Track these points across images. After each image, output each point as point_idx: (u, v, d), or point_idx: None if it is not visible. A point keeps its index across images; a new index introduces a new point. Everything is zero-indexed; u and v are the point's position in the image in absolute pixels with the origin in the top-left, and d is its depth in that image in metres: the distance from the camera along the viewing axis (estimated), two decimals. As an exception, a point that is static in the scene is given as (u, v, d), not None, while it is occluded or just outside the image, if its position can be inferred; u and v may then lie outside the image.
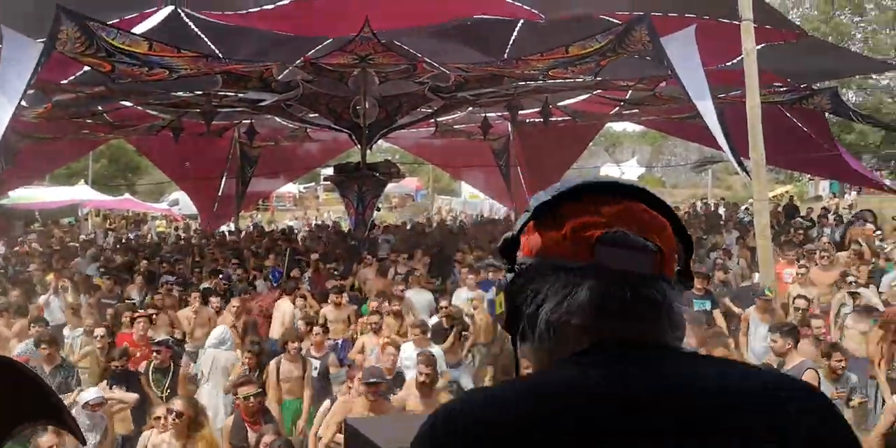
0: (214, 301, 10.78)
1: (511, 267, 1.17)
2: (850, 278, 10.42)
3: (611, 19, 11.43)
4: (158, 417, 6.24)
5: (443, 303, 10.04)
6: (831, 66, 15.18)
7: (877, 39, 29.45)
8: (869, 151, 28.02)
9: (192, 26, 12.00)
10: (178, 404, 5.90)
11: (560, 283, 1.09)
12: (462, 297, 10.88)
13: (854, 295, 9.33)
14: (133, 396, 7.42)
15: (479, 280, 11.26)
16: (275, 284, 12.81)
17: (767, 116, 10.17)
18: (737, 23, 10.04)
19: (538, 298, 1.11)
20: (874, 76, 28.55)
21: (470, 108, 18.06)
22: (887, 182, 22.71)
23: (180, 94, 14.21)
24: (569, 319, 1.09)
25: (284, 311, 10.51)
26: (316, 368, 8.44)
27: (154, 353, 8.13)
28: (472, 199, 37.73)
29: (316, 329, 8.91)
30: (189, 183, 23.60)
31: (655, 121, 19.73)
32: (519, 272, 1.14)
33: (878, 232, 14.89)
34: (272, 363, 8.10)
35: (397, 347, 8.18)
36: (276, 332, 10.05)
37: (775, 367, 6.66)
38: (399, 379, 7.77)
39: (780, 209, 20.70)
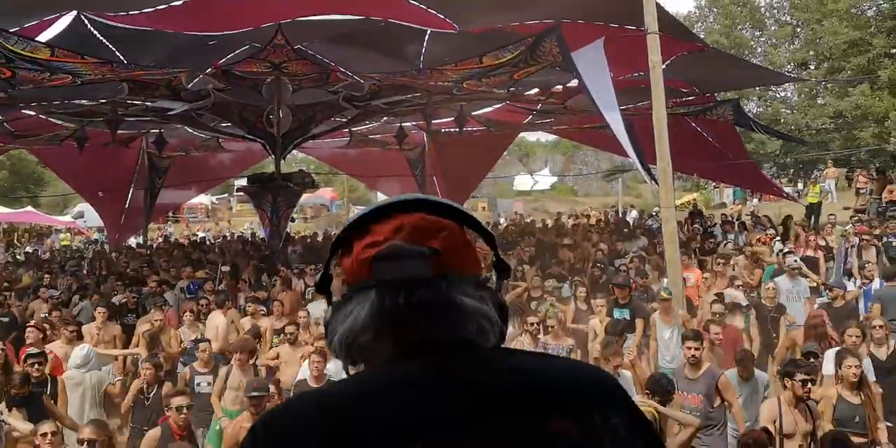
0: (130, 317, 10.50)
1: (329, 301, 1.25)
2: (738, 282, 10.92)
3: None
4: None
5: None
6: (734, 77, 15.82)
7: (775, 53, 30.81)
8: (767, 160, 29.25)
9: (97, 34, 11.65)
10: (87, 432, 5.58)
11: (352, 306, 1.18)
12: None
13: (719, 295, 9.75)
14: (28, 427, 6.96)
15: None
16: (188, 296, 12.50)
17: (679, 127, 10.51)
18: (642, 34, 10.33)
19: (334, 325, 1.20)
20: (773, 88, 29.84)
21: (385, 118, 18.07)
22: (788, 190, 23.85)
23: (84, 102, 13.74)
24: (357, 339, 1.17)
25: (218, 323, 10.23)
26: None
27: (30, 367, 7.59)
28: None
29: (203, 344, 8.55)
30: (95, 194, 22.80)
31: (569, 130, 20.15)
32: (334, 304, 1.23)
33: (777, 237, 15.53)
34: (223, 371, 7.94)
35: (324, 355, 8.09)
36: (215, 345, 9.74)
37: (686, 373, 6.87)
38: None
39: (687, 217, 21.37)
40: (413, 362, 1.13)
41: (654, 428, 1.17)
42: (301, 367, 8.41)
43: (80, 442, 5.51)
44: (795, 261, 11.27)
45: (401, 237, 1.18)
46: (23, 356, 8.12)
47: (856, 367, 6.22)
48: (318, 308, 10.79)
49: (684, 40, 12.26)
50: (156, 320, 9.95)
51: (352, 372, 1.21)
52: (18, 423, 6.80)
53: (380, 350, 1.16)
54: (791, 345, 8.34)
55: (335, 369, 8.10)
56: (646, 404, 5.61)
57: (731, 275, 11.37)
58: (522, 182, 46.14)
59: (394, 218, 1.21)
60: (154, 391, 7.68)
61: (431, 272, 1.16)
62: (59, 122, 15.99)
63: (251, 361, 8.08)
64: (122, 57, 11.83)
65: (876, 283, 10.60)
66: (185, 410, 6.38)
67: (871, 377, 6.88)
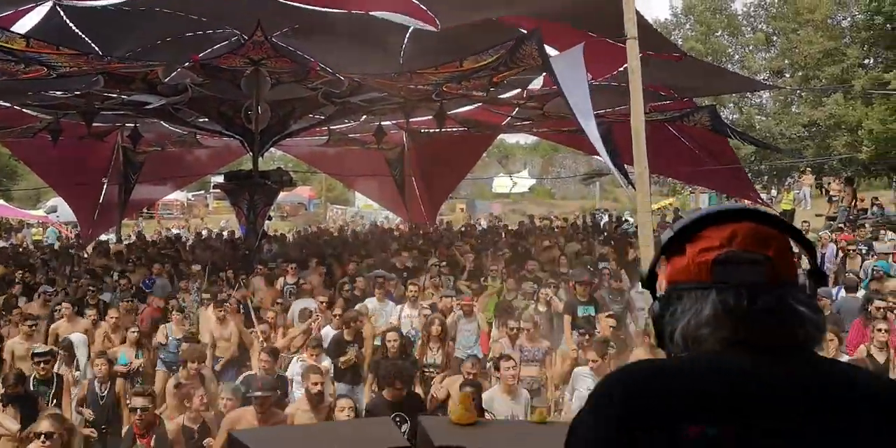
0: (91, 312, 10.34)
1: (654, 295, 1.41)
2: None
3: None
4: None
5: (350, 314, 9.50)
6: (712, 84, 15.95)
7: (752, 60, 31.12)
8: (741, 166, 29.48)
9: (72, 26, 11.53)
10: (44, 426, 5.45)
11: (689, 303, 1.32)
12: (388, 312, 10.58)
13: None
14: (14, 427, 6.87)
15: (385, 293, 11.11)
16: (148, 291, 12.49)
17: (662, 131, 10.51)
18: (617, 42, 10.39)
19: (674, 318, 1.34)
20: (748, 95, 30.15)
21: (364, 117, 18.03)
22: (763, 196, 24.10)
23: (59, 94, 13.58)
24: (699, 332, 1.30)
25: (211, 322, 10.03)
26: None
27: (37, 365, 7.66)
28: (366, 209, 37.61)
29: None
30: (68, 189, 22.51)
31: (548, 133, 20.23)
32: (661, 299, 1.38)
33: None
34: (171, 381, 7.90)
35: (274, 355, 8.07)
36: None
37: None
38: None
39: (667, 220, 21.54)
40: (748, 357, 1.26)
41: None
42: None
43: (38, 435, 5.39)
44: None
45: (736, 244, 1.31)
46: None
47: None
48: (302, 305, 10.76)
49: (662, 53, 12.35)
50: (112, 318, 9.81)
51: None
52: (6, 421, 6.73)
53: (712, 344, 1.29)
54: None
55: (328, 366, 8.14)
56: None
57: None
58: (501, 184, 46.26)
59: (725, 225, 1.34)
60: (108, 389, 7.60)
61: (766, 278, 1.29)
62: (33, 113, 15.78)
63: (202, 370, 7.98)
64: (96, 48, 11.71)
65: (834, 292, 10.74)
66: (138, 412, 6.26)
67: None
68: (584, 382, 7.43)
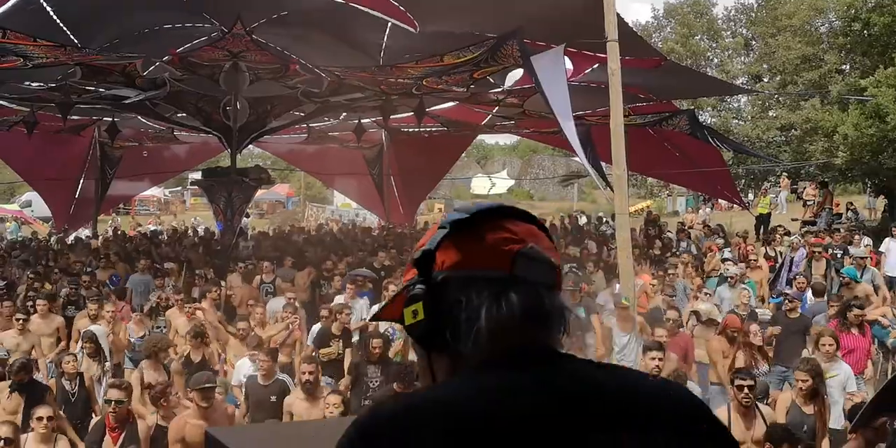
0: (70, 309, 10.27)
1: (424, 279, 1.22)
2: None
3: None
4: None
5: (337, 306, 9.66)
6: (690, 87, 16.07)
7: (730, 64, 31.40)
8: (727, 168, 29.72)
9: (49, 11, 11.36)
10: (43, 410, 5.65)
11: (486, 292, 1.17)
12: (359, 308, 10.62)
13: (695, 312, 9.84)
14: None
15: (358, 291, 11.12)
16: (111, 289, 12.39)
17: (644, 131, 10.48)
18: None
19: (472, 304, 1.17)
20: (727, 99, 30.39)
21: (344, 114, 17.97)
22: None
23: (34, 86, 13.41)
24: (504, 323, 1.16)
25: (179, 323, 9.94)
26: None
27: None
28: (344, 208, 37.52)
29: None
30: (43, 183, 22.24)
31: (529, 133, 20.29)
32: (439, 283, 1.20)
33: (726, 247, 15.84)
34: (135, 374, 7.80)
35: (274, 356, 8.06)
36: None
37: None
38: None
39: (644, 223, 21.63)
40: (521, 369, 1.14)
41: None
42: (243, 363, 8.32)
43: (38, 418, 5.58)
44: (735, 271, 11.46)
45: (534, 242, 1.22)
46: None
47: (803, 380, 6.33)
48: (277, 305, 10.69)
49: (643, 59, 12.41)
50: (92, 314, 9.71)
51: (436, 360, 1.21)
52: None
53: (500, 345, 1.15)
54: (717, 352, 8.37)
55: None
56: None
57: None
58: (480, 185, 46.30)
59: (521, 223, 1.24)
60: (78, 385, 7.55)
61: (556, 284, 1.23)
62: (8, 105, 15.58)
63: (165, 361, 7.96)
64: (72, 36, 11.54)
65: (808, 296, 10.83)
66: (113, 404, 6.24)
67: (852, 387, 7.01)
68: None
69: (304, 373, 6.96)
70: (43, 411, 5.63)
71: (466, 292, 1.17)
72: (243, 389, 7.85)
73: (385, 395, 6.77)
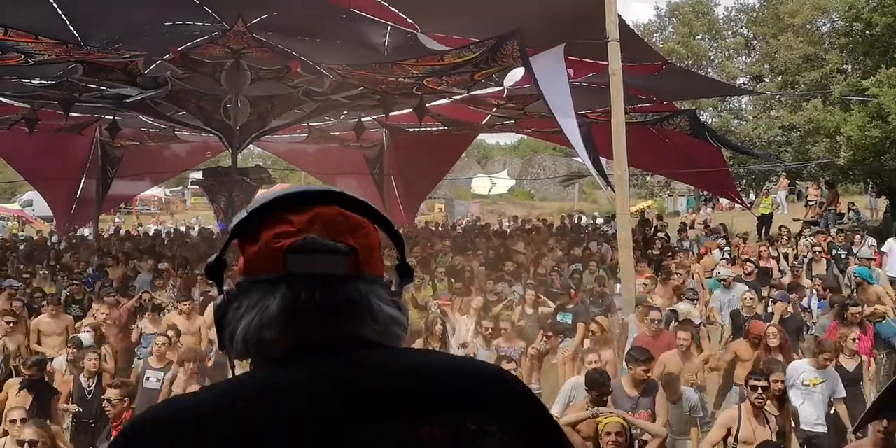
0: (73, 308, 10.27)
1: (220, 289, 1.18)
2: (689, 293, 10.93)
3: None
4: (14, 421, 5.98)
5: None
6: (692, 88, 16.06)
7: (731, 65, 31.35)
8: (727, 167, 29.69)
9: (53, 3, 11.32)
10: (27, 433, 5.41)
11: (256, 298, 1.11)
12: None
13: (673, 311, 9.80)
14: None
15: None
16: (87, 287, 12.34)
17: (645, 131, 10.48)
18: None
19: (237, 315, 1.13)
20: (728, 99, 30.35)
21: (344, 113, 17.96)
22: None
23: (36, 83, 13.40)
24: (262, 333, 1.10)
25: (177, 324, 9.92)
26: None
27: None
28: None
29: (161, 339, 8.30)
30: (44, 182, 22.25)
31: (529, 132, 20.29)
32: (228, 292, 1.16)
33: (727, 246, 15.82)
34: (169, 375, 7.81)
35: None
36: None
37: (627, 391, 6.79)
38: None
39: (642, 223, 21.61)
40: (298, 365, 1.08)
41: (559, 441, 1.14)
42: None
43: (21, 443, 5.37)
44: (727, 273, 11.38)
45: (316, 230, 1.13)
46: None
47: (781, 381, 6.41)
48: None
49: (644, 64, 12.41)
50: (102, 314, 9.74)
51: (238, 366, 1.17)
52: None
53: (278, 346, 1.10)
54: (732, 356, 8.36)
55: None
56: (614, 415, 5.49)
57: (675, 286, 11.33)
58: (480, 185, 46.30)
59: (307, 209, 1.15)
60: (95, 383, 7.56)
61: (346, 270, 1.12)
62: (9, 102, 15.56)
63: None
64: (73, 30, 11.50)
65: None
66: (111, 403, 6.32)
67: (841, 393, 7.01)
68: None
69: None
70: (28, 435, 5.40)
71: (239, 301, 1.13)
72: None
73: None
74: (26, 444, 5.31)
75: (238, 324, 1.12)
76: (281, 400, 1.03)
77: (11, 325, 9.12)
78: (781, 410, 6.41)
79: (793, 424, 6.48)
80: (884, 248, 14.45)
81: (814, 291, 11.26)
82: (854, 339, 7.74)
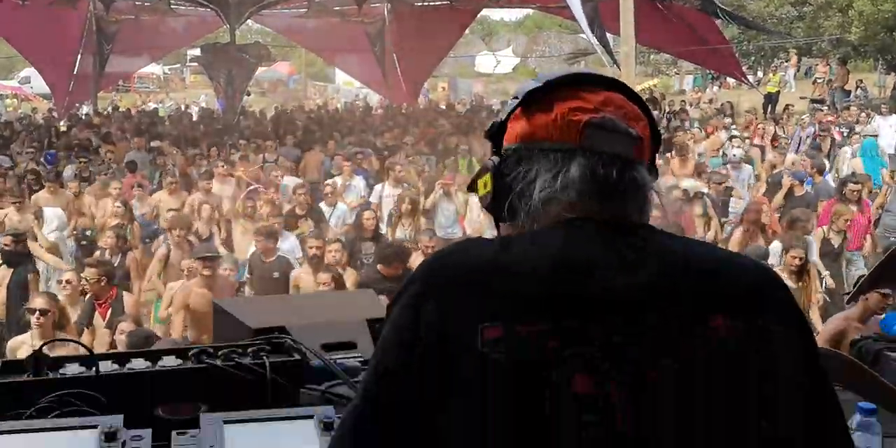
0: (73, 185, 10.32)
1: (497, 150, 1.23)
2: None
3: None
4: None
5: None
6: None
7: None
8: (731, 45, 29.01)
9: None
10: (38, 302, 5.49)
11: (551, 163, 1.15)
12: (355, 186, 10.68)
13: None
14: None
15: (354, 168, 11.15)
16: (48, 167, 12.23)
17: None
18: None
19: (529, 176, 1.16)
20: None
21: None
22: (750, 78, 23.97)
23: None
24: (558, 195, 1.14)
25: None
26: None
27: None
28: (347, 87, 36.96)
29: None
30: (41, 59, 21.81)
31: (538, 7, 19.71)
32: (507, 154, 1.20)
33: (733, 125, 15.71)
34: (160, 251, 7.95)
35: (270, 234, 8.09)
36: None
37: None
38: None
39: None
40: (590, 236, 1.12)
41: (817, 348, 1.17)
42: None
43: (32, 311, 5.43)
44: (734, 155, 11.24)
45: (610, 112, 1.16)
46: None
47: (800, 258, 6.47)
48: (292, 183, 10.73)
49: None
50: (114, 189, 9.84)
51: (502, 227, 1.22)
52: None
53: (564, 213, 1.14)
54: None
55: (289, 247, 8.22)
56: None
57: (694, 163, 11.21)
58: (484, 63, 45.36)
59: (598, 90, 1.19)
60: (119, 260, 7.73)
61: (636, 155, 1.17)
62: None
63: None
64: None
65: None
66: (89, 280, 6.40)
67: (814, 255, 7.22)
68: None
69: (311, 248, 7.15)
70: (39, 304, 5.44)
71: (528, 164, 1.16)
72: (247, 265, 8.05)
73: (370, 276, 6.85)
74: (37, 312, 5.38)
75: (532, 183, 1.15)
76: (591, 272, 1.08)
77: (18, 204, 9.17)
78: (802, 283, 6.50)
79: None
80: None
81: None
82: (846, 221, 7.87)
